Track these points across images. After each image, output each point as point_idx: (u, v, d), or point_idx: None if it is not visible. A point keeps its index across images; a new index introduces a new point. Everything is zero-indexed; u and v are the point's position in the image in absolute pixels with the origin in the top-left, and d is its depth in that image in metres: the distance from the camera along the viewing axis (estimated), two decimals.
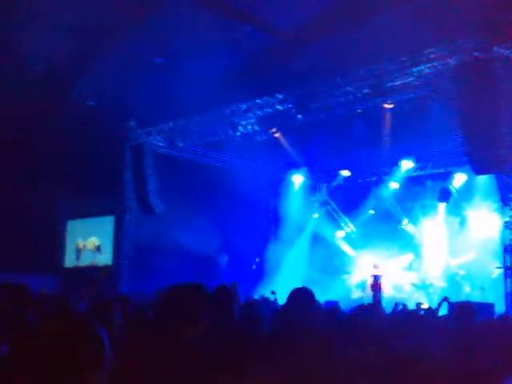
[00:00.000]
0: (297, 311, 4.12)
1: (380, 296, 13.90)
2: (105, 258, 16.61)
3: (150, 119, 14.39)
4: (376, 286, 14.34)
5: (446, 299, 7.07)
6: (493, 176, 12.42)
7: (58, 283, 15.98)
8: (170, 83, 13.01)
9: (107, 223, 16.91)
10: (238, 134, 14.17)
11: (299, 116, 13.13)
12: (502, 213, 11.97)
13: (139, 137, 14.80)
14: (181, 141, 14.91)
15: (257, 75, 13.45)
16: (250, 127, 13.99)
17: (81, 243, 17.41)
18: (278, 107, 13.21)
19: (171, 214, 14.55)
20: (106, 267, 15.41)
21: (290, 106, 13.04)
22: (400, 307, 7.55)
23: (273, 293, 11.62)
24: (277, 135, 14.74)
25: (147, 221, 14.77)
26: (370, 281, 14.89)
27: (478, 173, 10.87)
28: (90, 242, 17.15)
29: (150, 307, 5.71)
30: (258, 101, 13.32)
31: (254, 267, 16.98)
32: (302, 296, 4.18)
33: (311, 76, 12.42)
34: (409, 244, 15.78)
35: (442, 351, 3.79)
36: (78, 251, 17.47)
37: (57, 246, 17.59)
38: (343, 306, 8.87)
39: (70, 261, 17.69)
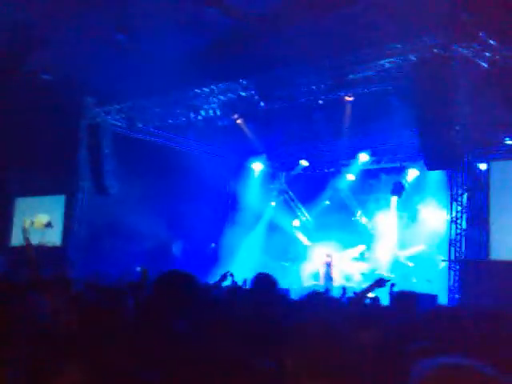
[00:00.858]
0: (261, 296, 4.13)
1: (331, 284, 14.17)
2: (54, 238, 16.20)
3: (108, 97, 14.08)
4: (327, 275, 14.65)
5: (380, 280, 7.10)
6: (444, 172, 12.80)
7: (4, 263, 15.54)
8: (131, 61, 12.75)
9: (58, 202, 16.45)
10: (200, 117, 14.05)
11: (261, 103, 13.14)
12: (450, 208, 12.36)
13: (97, 115, 14.48)
14: (140, 121, 14.69)
15: (221, 60, 13.33)
16: (211, 112, 13.90)
17: (28, 221, 16.88)
18: (241, 93, 13.16)
19: (126, 197, 14.32)
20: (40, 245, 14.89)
21: (252, 92, 13.01)
22: (350, 294, 7.66)
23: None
24: (238, 121, 14.71)
25: (101, 202, 14.48)
26: (322, 270, 15.19)
27: (431, 168, 11.16)
28: (39, 221, 16.65)
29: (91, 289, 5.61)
30: (221, 85, 13.24)
31: (208, 253, 16.97)
32: (265, 281, 4.20)
33: (275, 63, 12.41)
34: (362, 235, 16.11)
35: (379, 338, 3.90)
36: (26, 229, 16.93)
37: (3, 223, 17.04)
38: (294, 294, 9.00)
39: (16, 239, 17.13)
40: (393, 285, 7.01)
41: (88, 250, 14.35)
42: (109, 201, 14.36)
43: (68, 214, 15.55)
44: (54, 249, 14.92)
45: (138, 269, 9.82)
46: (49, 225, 16.17)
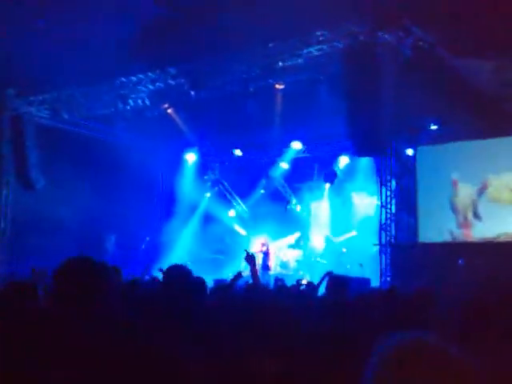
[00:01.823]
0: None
1: (267, 273, 14.25)
2: None
3: (31, 88, 13.46)
4: (263, 264, 14.71)
5: (329, 273, 7.19)
6: (373, 159, 13.09)
7: None
8: (55, 50, 12.21)
9: None
10: (128, 107, 13.69)
11: (192, 92, 12.94)
12: (380, 193, 12.68)
13: (19, 107, 13.84)
14: (66, 112, 14.14)
15: (149, 48, 13.00)
16: (140, 101, 13.56)
17: None
18: (171, 82, 12.92)
19: (54, 191, 13.77)
20: None
21: (182, 81, 12.79)
22: (279, 283, 7.71)
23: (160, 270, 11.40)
24: (169, 111, 14.42)
25: (27, 197, 13.87)
26: (259, 259, 15.24)
27: (360, 155, 11.38)
28: None
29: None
30: (149, 74, 12.93)
31: (143, 247, 16.65)
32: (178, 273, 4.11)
33: (205, 52, 12.24)
34: (297, 223, 16.28)
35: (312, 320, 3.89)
36: None
37: None
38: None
39: None
40: (329, 273, 7.02)
41: (14, 247, 13.71)
42: (36, 195, 13.78)
43: None
44: None
45: None
46: None
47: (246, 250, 5.54)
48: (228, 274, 14.33)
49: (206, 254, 16.60)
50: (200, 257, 16.16)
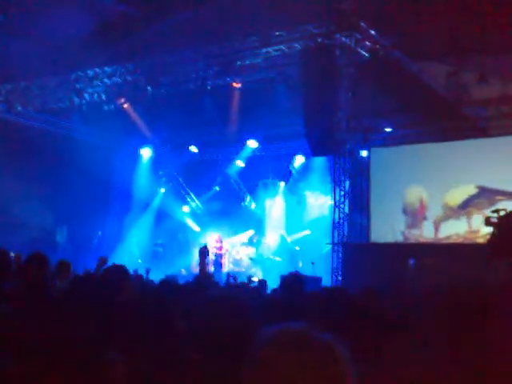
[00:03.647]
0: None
1: (220, 270, 14.32)
2: None
3: None
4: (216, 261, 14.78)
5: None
6: (328, 158, 13.31)
7: None
8: (10, 42, 11.94)
9: None
10: (84, 102, 13.51)
11: (149, 88, 12.87)
12: (334, 193, 12.90)
13: None
14: (20, 105, 13.85)
15: (107, 42, 12.85)
16: (96, 96, 13.40)
17: None
18: (128, 77, 12.82)
19: (6, 183, 13.45)
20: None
21: (139, 76, 12.72)
22: (231, 280, 7.78)
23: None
24: (125, 106, 14.28)
25: None
26: (211, 256, 15.28)
27: (315, 154, 11.56)
28: None
29: None
30: (106, 69, 12.79)
31: (95, 241, 16.42)
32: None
33: (163, 48, 12.19)
34: (251, 221, 16.39)
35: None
36: None
37: None
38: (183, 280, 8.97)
39: None
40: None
41: None
42: None
43: None
44: None
45: (12, 254, 9.24)
46: None
47: (203, 246, 5.57)
48: (179, 269, 14.36)
49: (158, 248, 16.55)
50: (151, 251, 16.11)
